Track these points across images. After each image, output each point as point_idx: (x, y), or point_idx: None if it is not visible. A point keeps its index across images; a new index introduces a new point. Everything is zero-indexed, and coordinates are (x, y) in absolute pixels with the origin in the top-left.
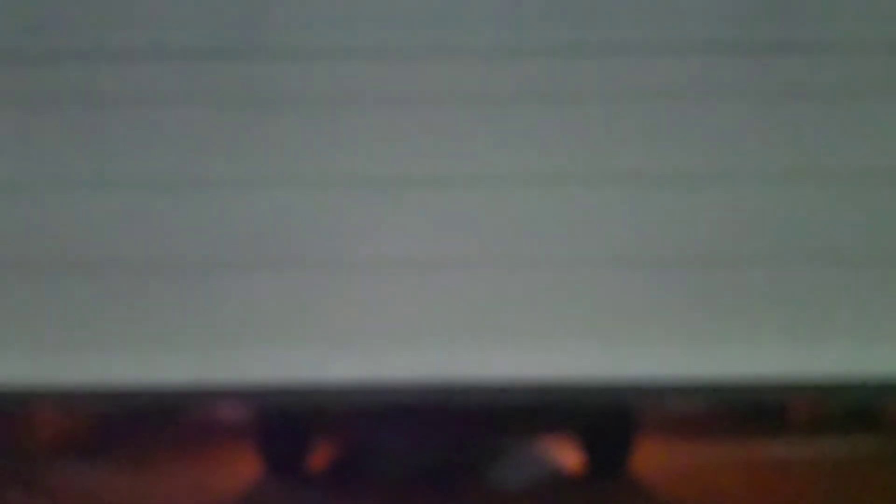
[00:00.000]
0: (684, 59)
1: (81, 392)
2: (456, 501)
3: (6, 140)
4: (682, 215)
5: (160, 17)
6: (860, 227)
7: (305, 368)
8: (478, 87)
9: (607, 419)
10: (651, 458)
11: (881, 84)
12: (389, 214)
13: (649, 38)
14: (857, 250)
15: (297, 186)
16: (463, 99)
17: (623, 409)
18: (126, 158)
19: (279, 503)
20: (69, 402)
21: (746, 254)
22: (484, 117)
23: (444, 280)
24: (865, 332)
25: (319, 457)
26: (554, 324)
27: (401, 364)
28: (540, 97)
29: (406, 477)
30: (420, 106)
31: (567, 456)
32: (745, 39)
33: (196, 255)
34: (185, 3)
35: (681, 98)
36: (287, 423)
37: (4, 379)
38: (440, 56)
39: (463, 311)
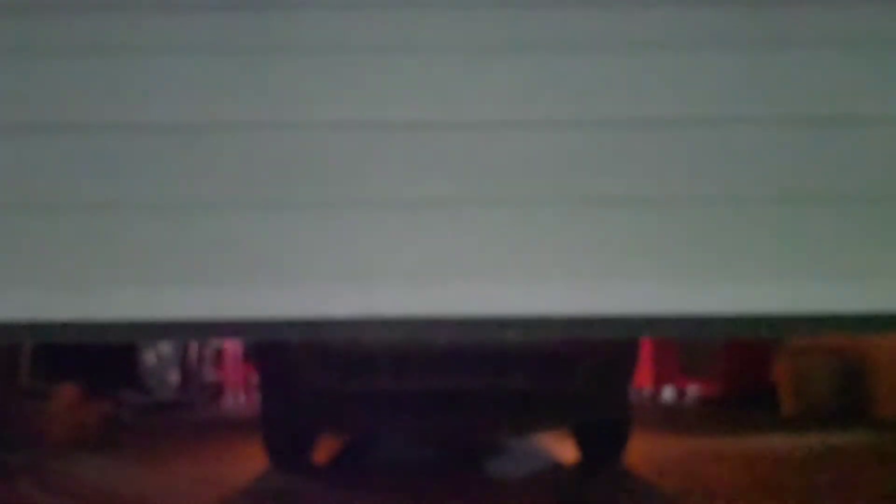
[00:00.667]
0: (675, 8)
1: (98, 325)
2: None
3: (17, 86)
4: (671, 157)
5: None
6: (851, 168)
7: (303, 305)
8: (467, 36)
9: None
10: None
11: (874, 33)
12: (383, 157)
13: None
14: (848, 190)
15: (290, 131)
16: (453, 48)
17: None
18: (132, 105)
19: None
20: (85, 334)
21: (734, 194)
22: (473, 66)
23: (434, 220)
24: (857, 269)
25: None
26: (544, 262)
27: (394, 300)
28: (528, 46)
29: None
30: (409, 54)
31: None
32: None
33: (195, 197)
34: None
35: (671, 48)
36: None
37: (17, 314)
38: (431, 5)
39: (453, 250)
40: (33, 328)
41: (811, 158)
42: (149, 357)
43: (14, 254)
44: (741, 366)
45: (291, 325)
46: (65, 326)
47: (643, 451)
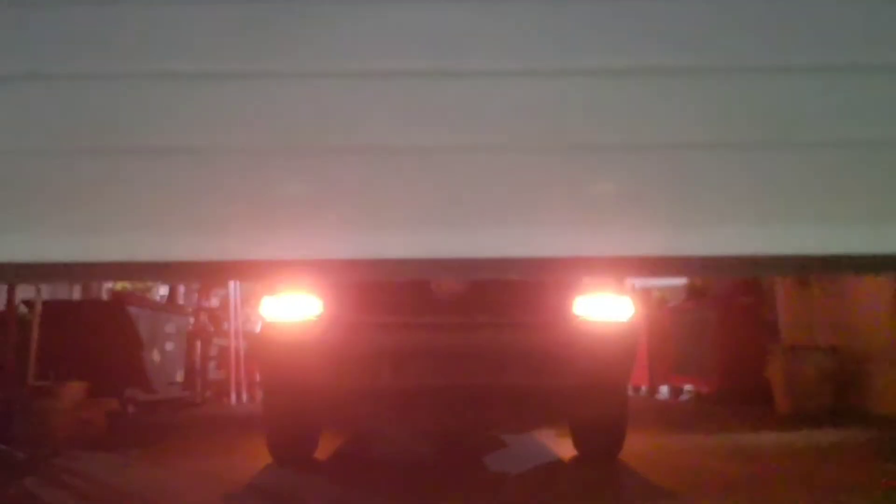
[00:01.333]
0: None
1: (112, 265)
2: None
3: (19, 34)
4: (671, 104)
5: None
6: (847, 114)
7: (308, 247)
8: None
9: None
10: None
11: None
12: (385, 105)
13: None
14: (840, 136)
15: (293, 80)
16: None
17: None
18: (133, 54)
19: None
20: (100, 275)
21: (731, 140)
22: (474, 14)
23: (436, 166)
24: (849, 213)
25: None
26: (542, 207)
27: (397, 243)
28: None
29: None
30: (409, 3)
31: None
32: None
33: (199, 144)
34: None
35: None
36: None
37: (37, 257)
38: None
39: (454, 195)
40: (45, 268)
41: (817, 105)
42: (153, 354)
43: (27, 198)
44: (735, 364)
45: (297, 266)
46: (80, 267)
47: (640, 447)
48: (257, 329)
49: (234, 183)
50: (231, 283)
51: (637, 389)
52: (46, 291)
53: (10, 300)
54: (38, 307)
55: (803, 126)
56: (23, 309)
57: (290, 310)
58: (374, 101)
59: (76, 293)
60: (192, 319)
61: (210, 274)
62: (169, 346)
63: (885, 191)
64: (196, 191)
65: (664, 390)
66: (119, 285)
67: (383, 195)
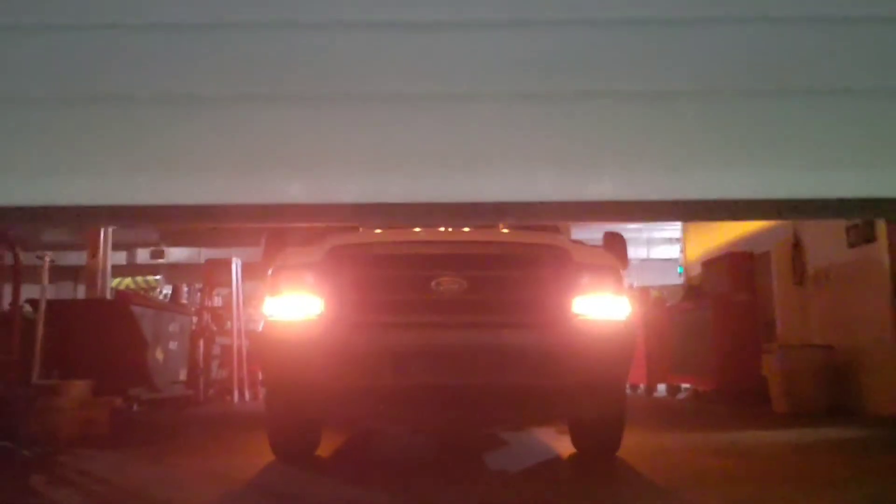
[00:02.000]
0: None
1: (116, 209)
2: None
3: None
4: (672, 53)
5: None
6: (838, 63)
7: (309, 192)
8: None
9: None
10: None
11: None
12: (384, 54)
13: None
14: (831, 84)
15: (294, 29)
16: None
17: None
18: (132, 5)
19: None
20: (102, 219)
21: (724, 88)
22: None
23: (434, 113)
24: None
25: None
26: (539, 153)
27: (396, 188)
28: None
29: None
30: None
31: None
32: None
33: (202, 91)
34: None
35: None
36: None
37: (44, 200)
38: None
39: (452, 141)
40: (47, 211)
41: (809, 54)
42: (157, 353)
43: (32, 144)
44: (732, 363)
45: (298, 210)
46: (85, 209)
47: (638, 444)
48: (260, 328)
49: (237, 130)
50: (234, 283)
51: (635, 388)
52: (51, 291)
53: (14, 299)
54: (43, 306)
55: (796, 74)
56: (27, 308)
57: (292, 309)
58: (373, 51)
59: (80, 293)
60: (195, 319)
61: (212, 218)
62: (172, 345)
63: (874, 137)
64: (202, 137)
65: (662, 389)
66: (123, 285)
67: (385, 142)
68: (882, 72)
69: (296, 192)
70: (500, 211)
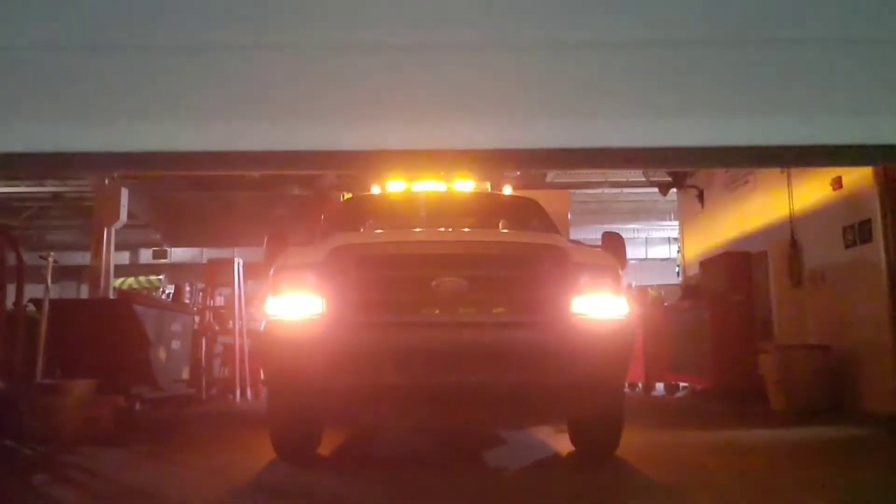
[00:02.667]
0: None
1: (128, 155)
2: None
3: None
4: (677, 2)
5: None
6: (830, 13)
7: (316, 139)
8: None
9: None
10: None
11: None
12: (386, 5)
13: None
14: (823, 34)
15: None
16: None
17: None
18: None
19: None
20: (115, 165)
21: (720, 38)
22: None
23: (436, 63)
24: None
25: None
26: (538, 101)
27: (401, 135)
28: None
29: None
30: None
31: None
32: None
33: (214, 40)
34: None
35: None
36: None
37: (49, 146)
38: None
39: (454, 90)
40: (68, 158)
41: (802, 3)
42: (160, 352)
43: (51, 90)
44: (730, 362)
45: (305, 156)
46: (99, 156)
47: (636, 443)
48: (262, 327)
49: (240, 78)
50: (236, 283)
51: (633, 387)
52: (54, 291)
53: (18, 298)
54: (46, 306)
55: (788, 24)
56: (31, 308)
57: (294, 308)
58: (374, 2)
59: (83, 293)
60: (197, 318)
61: (213, 164)
62: (175, 344)
63: (867, 86)
64: (203, 85)
65: (660, 387)
66: (126, 285)
67: (384, 91)
68: (874, 21)
69: (298, 139)
70: (499, 158)
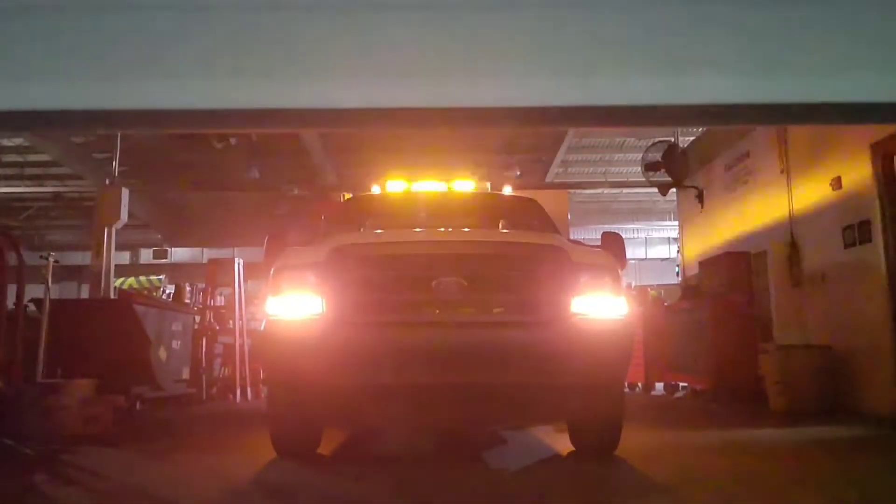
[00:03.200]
0: None
1: (124, 113)
2: None
3: None
4: None
5: None
6: None
7: (311, 97)
8: None
9: None
10: None
11: None
12: None
13: None
14: None
15: None
16: None
17: None
18: None
19: None
20: (115, 123)
21: None
22: None
23: (433, 21)
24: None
25: None
26: (537, 58)
27: (404, 93)
28: None
29: None
30: None
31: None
32: None
33: None
34: None
35: None
36: None
37: (54, 104)
38: None
39: (451, 48)
40: (64, 115)
41: None
42: (160, 352)
43: (25, 47)
44: (729, 362)
45: (301, 114)
46: (94, 114)
47: (636, 443)
48: (262, 327)
49: (242, 35)
50: (236, 283)
51: (633, 387)
52: (55, 291)
53: (18, 298)
54: (47, 305)
55: None
56: (32, 307)
57: (294, 308)
58: None
59: (84, 292)
60: (197, 318)
61: (213, 123)
62: (175, 343)
63: (864, 42)
64: (203, 41)
65: (660, 387)
66: (126, 284)
67: (387, 48)
68: None
69: (299, 96)
70: (502, 116)
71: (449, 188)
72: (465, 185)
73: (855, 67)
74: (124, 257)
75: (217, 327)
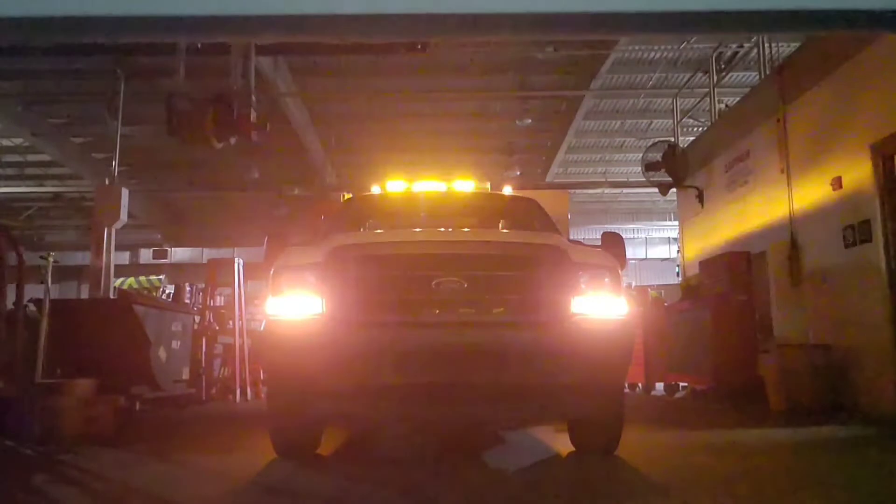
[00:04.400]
0: None
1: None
2: None
3: None
4: None
5: None
6: None
7: (315, 2)
8: None
9: None
10: None
11: None
12: None
13: None
14: None
15: None
16: None
17: None
18: None
19: None
20: (119, 30)
21: None
22: None
23: None
24: None
25: None
26: None
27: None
28: None
29: None
30: None
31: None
32: None
33: None
34: None
35: None
36: None
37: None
38: None
39: None
40: (78, 22)
41: None
42: (160, 352)
43: None
44: (729, 362)
45: (304, 20)
46: (100, 20)
47: (636, 442)
48: (262, 327)
49: None
50: (236, 283)
51: (633, 387)
52: (55, 291)
53: (18, 298)
54: (47, 306)
55: None
56: (31, 308)
57: (294, 308)
58: None
59: (84, 292)
60: (197, 318)
61: (223, 30)
62: (175, 344)
63: None
64: None
65: (660, 387)
66: (126, 285)
67: None
68: None
69: (300, 2)
70: (498, 23)
71: (449, 188)
72: (465, 185)
73: None
74: (124, 257)
75: (217, 327)
